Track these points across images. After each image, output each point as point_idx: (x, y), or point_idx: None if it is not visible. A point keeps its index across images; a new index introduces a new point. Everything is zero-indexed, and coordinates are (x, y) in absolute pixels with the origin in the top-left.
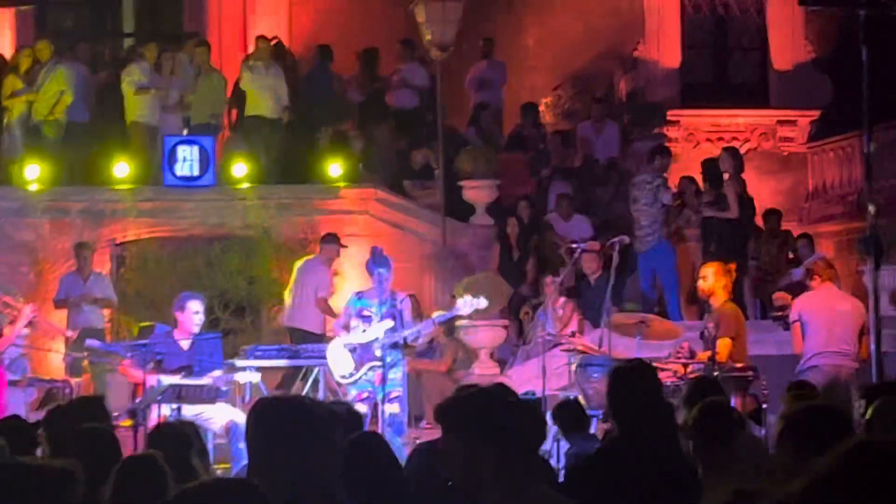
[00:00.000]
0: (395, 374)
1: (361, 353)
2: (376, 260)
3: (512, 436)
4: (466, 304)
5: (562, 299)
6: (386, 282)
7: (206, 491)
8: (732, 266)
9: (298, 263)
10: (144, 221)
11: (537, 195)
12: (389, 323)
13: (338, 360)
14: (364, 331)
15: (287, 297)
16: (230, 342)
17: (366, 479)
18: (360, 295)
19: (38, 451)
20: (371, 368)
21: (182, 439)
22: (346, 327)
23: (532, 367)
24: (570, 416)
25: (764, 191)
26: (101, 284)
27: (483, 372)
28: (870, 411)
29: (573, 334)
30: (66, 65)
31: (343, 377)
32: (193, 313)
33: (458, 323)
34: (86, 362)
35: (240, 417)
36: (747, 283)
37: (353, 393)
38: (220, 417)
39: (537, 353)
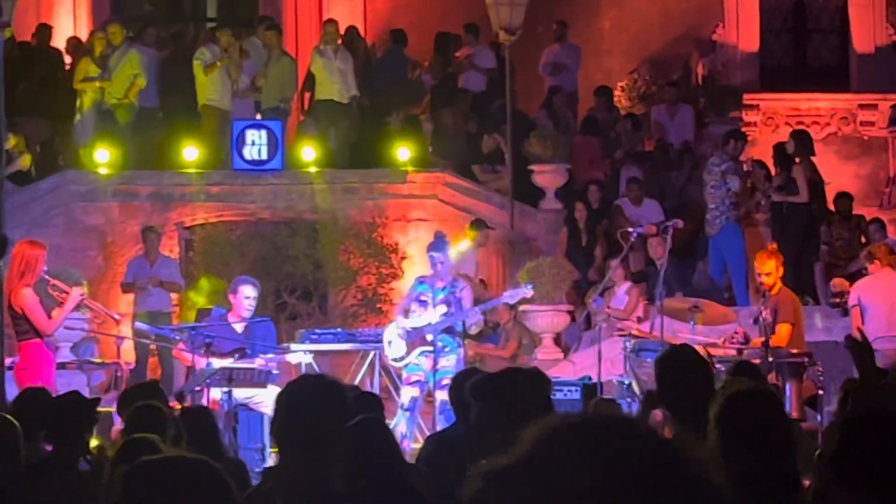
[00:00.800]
0: (448, 361)
1: (413, 336)
2: (435, 245)
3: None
4: (513, 293)
5: (627, 284)
6: (443, 266)
7: (164, 466)
8: (773, 245)
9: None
10: (213, 205)
11: (609, 180)
12: (443, 308)
13: (392, 342)
14: (419, 315)
15: None
16: (297, 326)
17: (362, 464)
18: (422, 279)
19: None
20: (422, 353)
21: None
22: (406, 311)
23: (594, 352)
24: None
25: (844, 175)
26: (168, 268)
27: (546, 357)
28: None
29: (639, 320)
30: (139, 49)
31: (395, 360)
32: (244, 298)
33: (522, 308)
34: (153, 346)
35: None
36: (819, 267)
37: (403, 376)
38: (271, 401)
39: (602, 339)
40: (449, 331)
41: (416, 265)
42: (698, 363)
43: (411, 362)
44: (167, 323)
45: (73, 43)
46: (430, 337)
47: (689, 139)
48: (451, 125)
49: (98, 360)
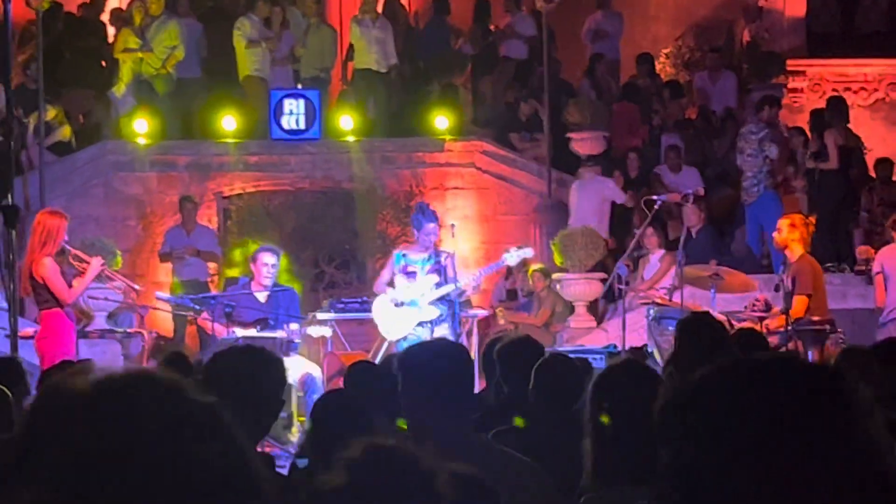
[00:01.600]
0: (444, 330)
1: (409, 308)
2: (426, 215)
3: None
4: (513, 255)
5: (661, 252)
6: (434, 237)
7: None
8: (812, 219)
9: None
10: (251, 175)
11: (648, 147)
12: (435, 278)
13: (385, 317)
14: (409, 287)
15: None
16: (335, 295)
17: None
18: (402, 252)
19: None
20: (419, 324)
21: None
22: (391, 284)
23: (632, 319)
24: None
25: (891, 142)
26: (205, 238)
27: (579, 325)
28: None
29: (673, 287)
30: (178, 19)
31: (389, 333)
32: (263, 265)
33: (556, 276)
34: (191, 314)
35: (315, 370)
36: (858, 234)
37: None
38: (295, 370)
39: (633, 307)
40: (441, 300)
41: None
42: (718, 331)
43: (410, 334)
44: (205, 292)
45: (115, 14)
46: (425, 307)
47: (732, 106)
48: (491, 94)
49: (121, 331)
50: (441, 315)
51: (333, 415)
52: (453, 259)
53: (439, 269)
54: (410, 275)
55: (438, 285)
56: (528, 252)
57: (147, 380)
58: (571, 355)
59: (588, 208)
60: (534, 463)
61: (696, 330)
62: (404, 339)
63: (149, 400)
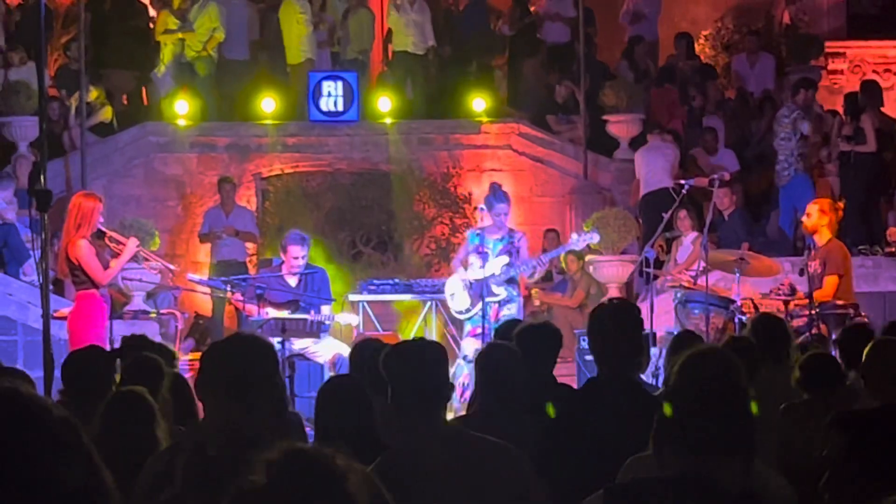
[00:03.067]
0: (511, 311)
1: (476, 288)
2: (499, 195)
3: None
4: (579, 239)
5: (693, 234)
6: (505, 217)
7: None
8: (840, 203)
9: None
10: (289, 156)
11: (687, 129)
12: (505, 259)
13: (455, 295)
14: (481, 267)
15: None
16: (372, 275)
17: (331, 422)
18: (476, 232)
19: None
20: (486, 304)
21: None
22: (464, 263)
23: (661, 302)
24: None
25: None
26: (243, 218)
27: None
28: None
29: (706, 269)
30: (218, 2)
31: (459, 312)
32: (293, 258)
33: (590, 258)
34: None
35: (346, 351)
36: (892, 217)
37: (467, 328)
38: (326, 351)
39: (665, 290)
40: (510, 281)
41: (482, 219)
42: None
43: (476, 314)
44: (243, 272)
45: None
46: (494, 288)
47: (770, 88)
48: (530, 76)
49: (154, 312)
50: (508, 296)
51: (334, 398)
52: (525, 240)
53: (511, 251)
54: (483, 255)
55: (508, 267)
56: (594, 237)
57: (6, 398)
58: None
59: (660, 169)
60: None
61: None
62: (470, 318)
63: (8, 417)
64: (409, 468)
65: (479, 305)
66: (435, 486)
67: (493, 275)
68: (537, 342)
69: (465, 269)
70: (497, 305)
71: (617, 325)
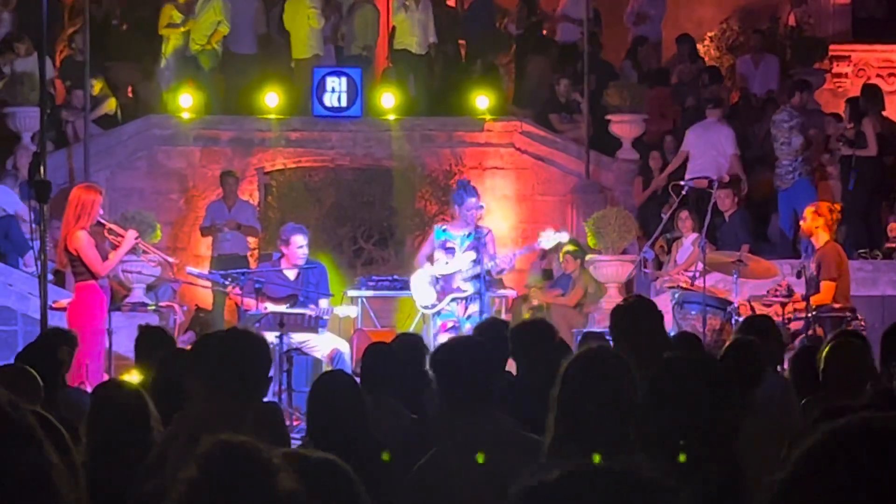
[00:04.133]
0: (477, 307)
1: (444, 284)
2: (467, 190)
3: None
4: (548, 238)
5: (694, 235)
6: (477, 212)
7: None
8: (837, 206)
9: None
10: (292, 151)
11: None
12: (472, 255)
13: (421, 290)
14: (447, 262)
15: None
16: (373, 272)
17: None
18: (443, 227)
19: None
20: (454, 300)
21: None
22: (430, 258)
23: (659, 302)
24: None
25: None
26: (246, 212)
27: (611, 306)
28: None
29: (704, 270)
30: None
31: (425, 307)
32: (297, 247)
33: (589, 257)
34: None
35: (344, 346)
36: (893, 220)
37: (437, 323)
38: (324, 346)
39: (664, 290)
40: (476, 277)
41: (491, 213)
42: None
43: (443, 309)
44: (244, 266)
45: None
46: (461, 284)
47: (774, 89)
48: (535, 74)
49: (153, 304)
50: (476, 291)
51: (325, 396)
52: (492, 236)
53: (478, 246)
54: (449, 250)
55: (475, 262)
56: (563, 236)
57: None
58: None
59: (708, 159)
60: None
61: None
62: (438, 313)
63: None
64: (457, 466)
65: (446, 300)
66: (481, 484)
67: (459, 270)
68: (529, 338)
69: (431, 264)
70: (464, 301)
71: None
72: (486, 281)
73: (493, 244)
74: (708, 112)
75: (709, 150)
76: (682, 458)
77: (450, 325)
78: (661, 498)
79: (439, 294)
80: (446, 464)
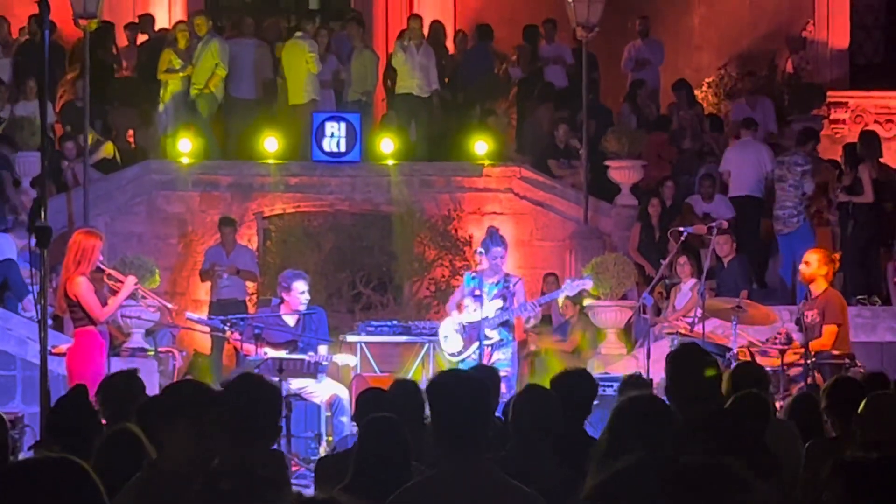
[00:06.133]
0: (504, 354)
1: (470, 331)
2: (495, 239)
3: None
4: (571, 285)
5: (692, 281)
6: (502, 261)
7: (28, 469)
8: (836, 256)
9: None
10: (291, 196)
11: (687, 176)
12: (499, 303)
13: (448, 337)
14: (475, 310)
15: None
16: (371, 316)
17: (370, 461)
18: (474, 275)
19: None
20: (479, 347)
21: None
22: (459, 306)
23: (657, 348)
24: None
25: None
26: (244, 257)
27: (609, 352)
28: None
29: (703, 316)
30: (220, 39)
31: (451, 354)
32: (299, 293)
33: (587, 303)
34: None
35: (343, 392)
36: (892, 268)
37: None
38: (323, 392)
39: (662, 336)
40: (504, 324)
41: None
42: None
43: (469, 357)
44: (243, 311)
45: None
46: (487, 332)
47: (773, 131)
48: (536, 119)
49: (152, 350)
50: (502, 340)
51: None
52: (522, 285)
53: (506, 295)
54: (478, 298)
55: (503, 310)
56: (587, 283)
57: None
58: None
59: (750, 174)
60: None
61: (687, 362)
62: (462, 361)
63: None
64: (428, 499)
65: (472, 348)
66: None
67: (486, 318)
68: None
69: (460, 312)
70: (490, 349)
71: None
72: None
73: (523, 293)
74: (742, 132)
75: (747, 167)
76: None
77: None
78: (745, 487)
79: (465, 341)
80: (426, 491)
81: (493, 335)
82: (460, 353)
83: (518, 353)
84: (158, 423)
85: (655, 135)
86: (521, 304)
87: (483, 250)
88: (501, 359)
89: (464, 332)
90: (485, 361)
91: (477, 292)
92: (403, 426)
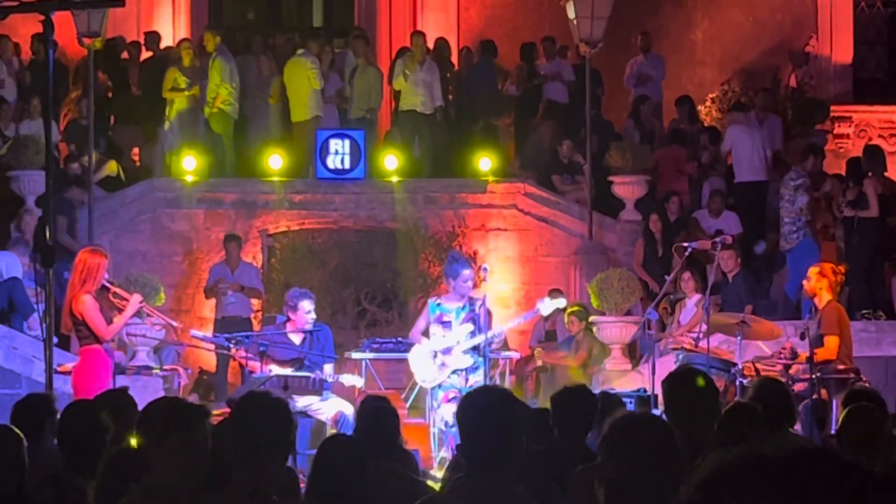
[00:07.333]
0: (478, 378)
1: (443, 357)
2: (460, 262)
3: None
4: (546, 305)
5: (697, 296)
6: (471, 283)
7: None
8: (841, 268)
9: None
10: (295, 213)
11: (691, 191)
12: (469, 327)
13: (420, 365)
14: (444, 336)
15: None
16: (376, 333)
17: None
18: (438, 301)
19: None
20: (454, 372)
21: None
22: (426, 333)
23: (663, 363)
24: None
25: None
26: (249, 274)
27: (615, 367)
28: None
29: (707, 332)
30: (223, 57)
31: (425, 381)
32: (305, 313)
33: (593, 318)
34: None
35: (348, 409)
36: (895, 283)
37: (440, 395)
38: (329, 409)
39: (667, 351)
40: (474, 348)
41: (494, 274)
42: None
43: (444, 381)
44: (247, 328)
45: (165, 53)
46: (461, 356)
47: (779, 148)
48: (538, 136)
49: (157, 368)
50: (475, 363)
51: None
52: (486, 307)
53: (474, 318)
54: (445, 324)
55: (472, 334)
56: (560, 302)
57: None
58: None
59: (753, 156)
60: None
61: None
62: (439, 386)
63: None
64: None
65: (445, 373)
66: None
67: (458, 342)
68: (575, 406)
69: (428, 338)
70: (464, 372)
71: None
72: (489, 347)
73: (487, 315)
74: (739, 115)
75: (750, 150)
76: None
77: (451, 395)
78: (856, 474)
79: (439, 367)
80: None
81: (466, 359)
82: (435, 379)
83: (522, 369)
84: (147, 441)
85: (674, 148)
86: (496, 334)
87: (450, 276)
88: (476, 382)
89: (435, 358)
90: (462, 385)
91: (445, 318)
92: (360, 448)
